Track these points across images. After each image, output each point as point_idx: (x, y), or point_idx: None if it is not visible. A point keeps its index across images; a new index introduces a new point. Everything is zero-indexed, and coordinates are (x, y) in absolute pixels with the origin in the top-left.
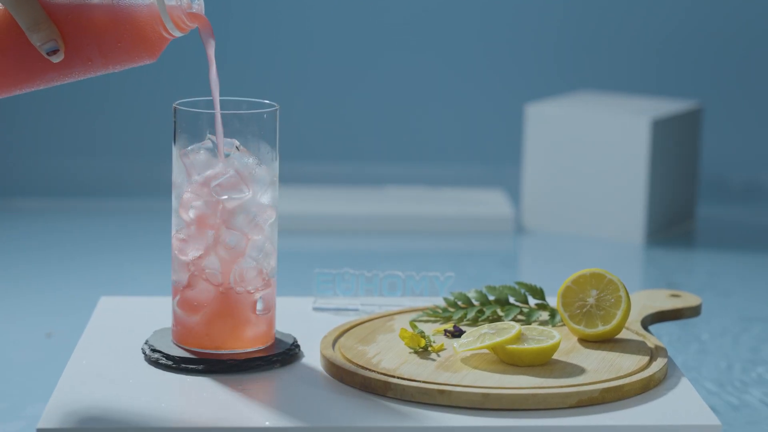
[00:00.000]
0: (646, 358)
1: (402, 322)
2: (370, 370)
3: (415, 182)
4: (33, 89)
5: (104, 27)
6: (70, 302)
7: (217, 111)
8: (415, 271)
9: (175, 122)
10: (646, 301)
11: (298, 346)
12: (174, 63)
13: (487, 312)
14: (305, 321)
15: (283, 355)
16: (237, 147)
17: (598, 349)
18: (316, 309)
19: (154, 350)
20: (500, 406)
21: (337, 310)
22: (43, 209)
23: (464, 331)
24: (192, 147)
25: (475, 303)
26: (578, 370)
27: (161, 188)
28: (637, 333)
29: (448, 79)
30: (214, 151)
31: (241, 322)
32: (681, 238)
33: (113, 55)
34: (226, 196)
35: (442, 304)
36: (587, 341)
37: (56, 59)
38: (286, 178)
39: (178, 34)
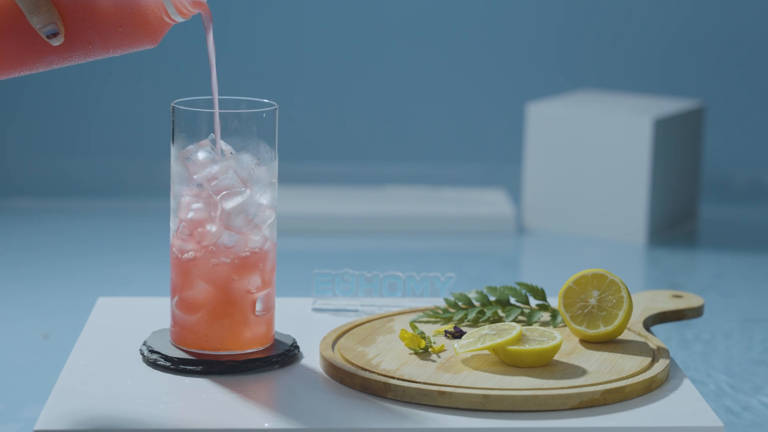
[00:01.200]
0: (648, 359)
1: (402, 323)
2: (370, 371)
3: (415, 182)
4: (32, 72)
5: (105, 10)
6: (67, 303)
7: (214, 78)
8: (415, 271)
9: (173, 122)
10: (648, 301)
11: (297, 347)
12: (173, 63)
13: (488, 313)
14: (305, 322)
15: (282, 356)
16: (231, 153)
17: (600, 350)
18: (315, 310)
19: (152, 351)
20: (501, 408)
21: (337, 311)
22: (40, 209)
23: (465, 332)
24: (191, 147)
25: (476, 304)
26: (579, 372)
27: (160, 188)
28: (639, 334)
29: (449, 78)
30: (213, 151)
31: (240, 322)
32: (683, 239)
33: (114, 39)
34: (224, 197)
35: (443, 304)
36: (589, 342)
37: (56, 42)
38: (286, 178)
39: (179, 19)
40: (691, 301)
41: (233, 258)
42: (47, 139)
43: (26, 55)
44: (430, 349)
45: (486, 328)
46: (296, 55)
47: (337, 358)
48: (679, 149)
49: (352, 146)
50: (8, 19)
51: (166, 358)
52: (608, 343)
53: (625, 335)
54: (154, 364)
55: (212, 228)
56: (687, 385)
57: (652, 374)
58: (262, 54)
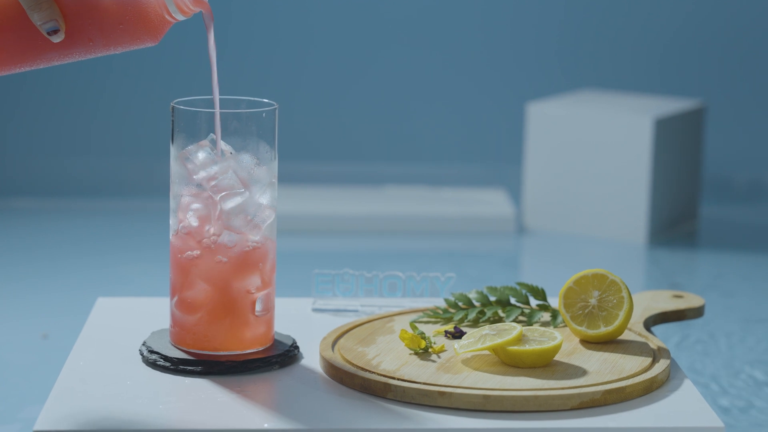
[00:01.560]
0: (649, 360)
1: (402, 323)
2: (370, 371)
3: (415, 182)
4: (33, 68)
5: (107, 8)
6: (67, 303)
7: (215, 78)
8: (415, 271)
9: (173, 122)
10: (649, 302)
11: (297, 348)
12: (173, 62)
13: (488, 313)
14: (304, 322)
15: (282, 356)
16: (230, 153)
17: (600, 350)
18: (315, 310)
19: (151, 351)
20: (501, 408)
21: (337, 311)
22: (40, 209)
23: (465, 332)
24: (190, 147)
25: (476, 304)
26: (580, 372)
27: (160, 188)
28: (639, 334)
29: (449, 78)
30: (212, 151)
31: (239, 323)
32: (684, 239)
33: (115, 37)
34: (224, 197)
35: (443, 305)
36: (589, 342)
37: (57, 39)
38: (285, 178)
39: (180, 17)
40: (691, 301)
41: (233, 258)
42: (47, 138)
43: (27, 51)
44: (430, 350)
45: (486, 329)
46: (296, 55)
47: (337, 359)
48: (679, 149)
49: (352, 146)
50: (9, 15)
51: (165, 358)
52: (609, 343)
53: (626, 335)
54: (153, 365)
55: (212, 228)
56: (688, 385)
57: (653, 374)
58: (263, 54)
